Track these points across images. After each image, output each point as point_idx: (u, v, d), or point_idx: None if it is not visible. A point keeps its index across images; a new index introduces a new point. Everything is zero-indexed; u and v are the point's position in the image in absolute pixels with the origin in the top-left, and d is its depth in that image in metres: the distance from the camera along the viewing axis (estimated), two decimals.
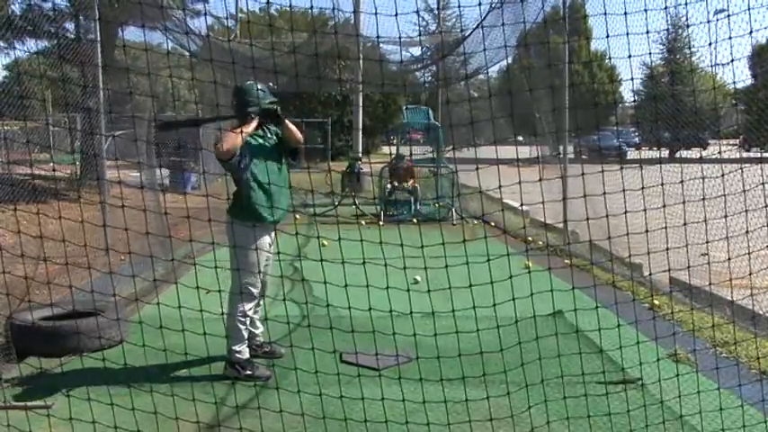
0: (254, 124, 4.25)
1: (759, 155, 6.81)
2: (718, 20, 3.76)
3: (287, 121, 4.37)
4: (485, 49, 3.85)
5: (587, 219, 3.51)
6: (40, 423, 3.41)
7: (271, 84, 4.95)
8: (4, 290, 3.90)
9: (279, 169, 4.40)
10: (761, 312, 5.09)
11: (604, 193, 3.38)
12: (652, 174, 3.74)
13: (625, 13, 3.28)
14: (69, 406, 3.32)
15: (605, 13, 3.32)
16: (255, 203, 4.24)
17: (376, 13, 3.24)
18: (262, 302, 4.65)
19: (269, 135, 4.45)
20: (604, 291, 5.21)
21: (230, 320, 4.28)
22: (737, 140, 11.19)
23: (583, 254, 7.91)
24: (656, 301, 5.93)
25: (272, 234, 4.45)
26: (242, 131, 4.14)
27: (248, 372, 4.28)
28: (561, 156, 9.11)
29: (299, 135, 4.45)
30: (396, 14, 3.10)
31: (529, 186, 3.44)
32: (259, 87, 4.36)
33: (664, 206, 3.53)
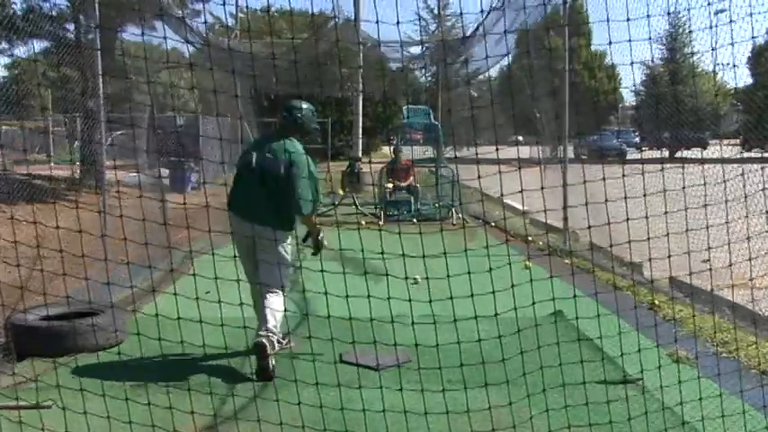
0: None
1: (760, 155, 6.80)
2: (718, 20, 3.75)
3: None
4: (486, 57, 3.83)
5: (588, 223, 3.50)
6: (34, 426, 3.37)
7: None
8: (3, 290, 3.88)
9: None
10: (760, 313, 5.08)
11: (605, 198, 3.37)
12: (653, 175, 3.72)
13: (627, 18, 3.27)
14: (64, 412, 3.29)
15: (607, 16, 3.31)
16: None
17: (377, 19, 3.22)
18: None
19: None
20: (605, 291, 5.19)
21: (274, 313, 4.50)
22: (738, 140, 11.16)
23: (583, 254, 7.88)
24: (656, 302, 5.91)
25: None
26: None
27: (287, 342, 4.77)
28: (561, 156, 9.09)
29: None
30: (397, 22, 3.08)
31: (529, 186, 3.42)
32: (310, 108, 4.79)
33: (666, 210, 3.52)
